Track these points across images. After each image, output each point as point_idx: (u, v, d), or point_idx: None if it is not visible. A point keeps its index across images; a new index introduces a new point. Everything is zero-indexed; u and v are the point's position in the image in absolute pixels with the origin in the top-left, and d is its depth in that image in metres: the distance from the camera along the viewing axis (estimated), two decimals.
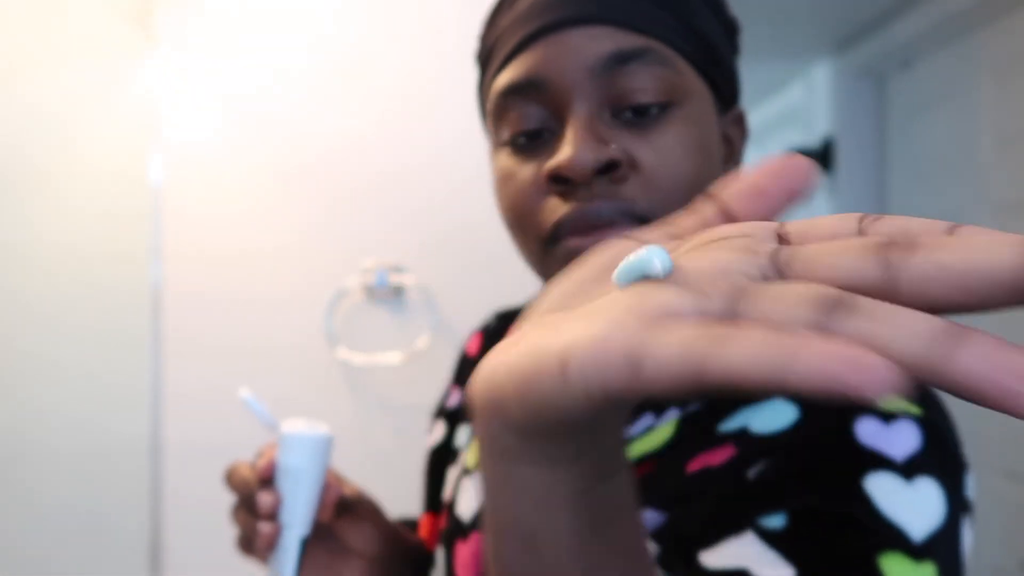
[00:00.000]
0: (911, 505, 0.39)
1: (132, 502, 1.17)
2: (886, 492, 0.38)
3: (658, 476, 0.43)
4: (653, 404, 0.46)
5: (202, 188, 1.21)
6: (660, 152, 0.42)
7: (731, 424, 0.43)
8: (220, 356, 1.21)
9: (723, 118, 0.47)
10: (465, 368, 0.66)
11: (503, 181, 0.46)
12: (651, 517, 0.42)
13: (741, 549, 0.38)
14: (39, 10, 0.93)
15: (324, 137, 1.21)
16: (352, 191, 1.21)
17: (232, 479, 0.51)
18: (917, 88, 2.03)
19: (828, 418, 0.41)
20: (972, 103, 1.78)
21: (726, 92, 0.47)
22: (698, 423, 0.44)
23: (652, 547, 0.41)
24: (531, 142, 0.44)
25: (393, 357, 1.19)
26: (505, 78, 0.44)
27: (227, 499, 1.23)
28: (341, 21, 1.21)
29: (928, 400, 0.43)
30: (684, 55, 0.44)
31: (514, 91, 0.44)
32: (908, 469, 0.39)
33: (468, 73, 1.21)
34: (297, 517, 0.48)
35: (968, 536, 0.42)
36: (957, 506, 0.41)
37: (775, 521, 0.38)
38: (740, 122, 0.49)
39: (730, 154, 0.49)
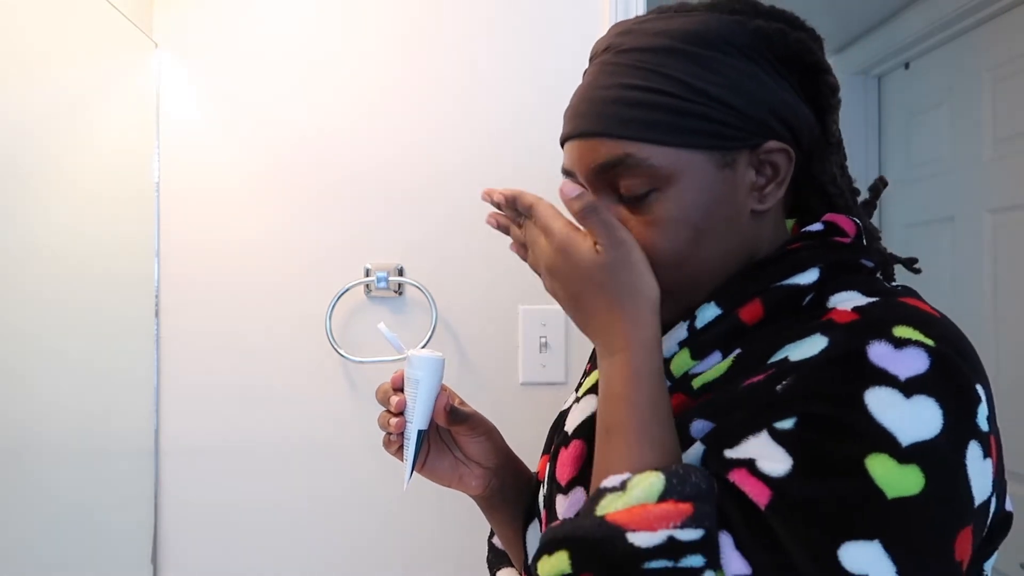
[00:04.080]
0: (904, 416, 0.45)
1: (134, 499, 1.17)
2: (883, 403, 0.45)
3: (714, 398, 0.54)
4: (722, 344, 0.57)
5: (202, 187, 1.21)
6: (644, 229, 0.56)
7: (776, 357, 0.52)
8: (221, 357, 1.21)
9: (753, 153, 0.57)
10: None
11: None
12: (704, 426, 0.53)
13: (755, 445, 0.48)
14: (39, 10, 0.93)
15: (325, 137, 1.21)
16: (353, 192, 1.21)
17: (377, 392, 0.69)
18: (917, 88, 2.03)
19: (847, 343, 0.49)
20: (972, 103, 1.78)
21: (745, 139, 0.56)
22: (751, 358, 0.54)
23: (699, 448, 0.52)
24: None
25: (393, 357, 1.19)
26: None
27: (226, 497, 1.24)
28: (342, 20, 1.21)
29: (948, 339, 0.48)
30: (666, 143, 0.55)
31: (563, 173, 0.62)
32: (908, 387, 0.46)
33: (469, 74, 1.21)
34: (417, 415, 0.65)
35: (983, 464, 0.47)
36: (960, 429, 0.46)
37: (786, 423, 0.48)
38: (780, 150, 0.58)
39: (774, 175, 0.58)
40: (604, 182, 0.58)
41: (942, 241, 1.90)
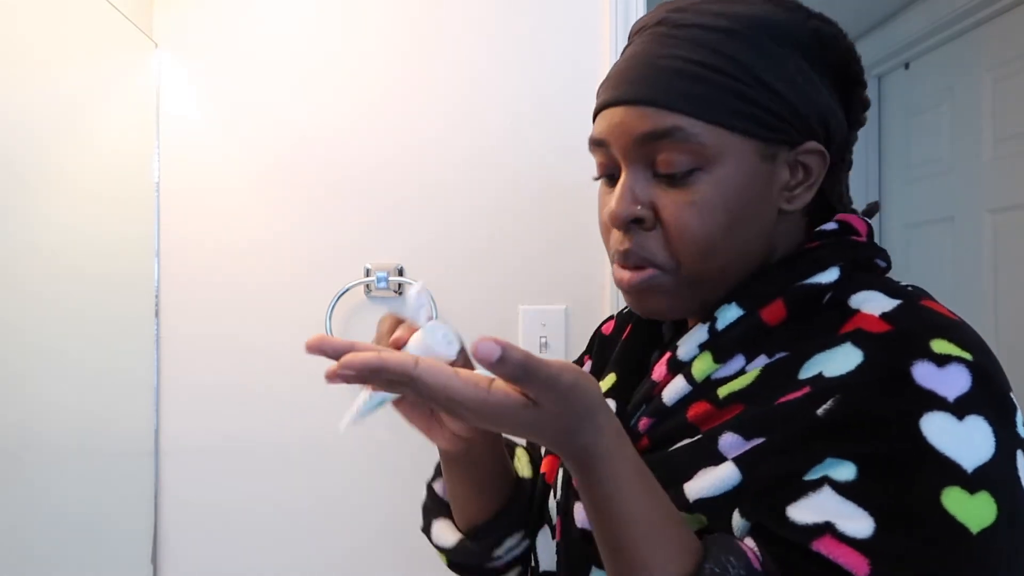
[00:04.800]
0: (963, 441, 0.44)
1: (134, 499, 1.17)
2: (940, 431, 0.44)
3: (747, 414, 0.52)
4: (744, 347, 0.55)
5: (202, 187, 1.21)
6: (681, 210, 0.54)
7: (809, 371, 0.51)
8: (221, 357, 1.21)
9: (791, 152, 0.56)
10: (601, 344, 0.76)
11: (599, 205, 0.62)
12: (735, 441, 0.51)
13: (822, 503, 0.46)
14: (39, 10, 0.93)
15: (325, 137, 1.21)
16: (353, 192, 1.21)
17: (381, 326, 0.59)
18: (917, 88, 2.03)
19: (888, 361, 0.47)
20: (972, 103, 1.78)
21: (790, 135, 0.55)
22: (780, 371, 0.52)
23: (732, 472, 0.49)
24: (611, 179, 0.60)
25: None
26: (592, 132, 0.60)
27: (226, 497, 1.24)
28: (342, 20, 1.21)
29: (977, 347, 0.48)
30: (719, 123, 0.53)
31: (592, 143, 0.59)
32: (959, 408, 0.45)
33: (470, 74, 1.21)
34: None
35: None
36: (1008, 442, 0.46)
37: (846, 472, 0.46)
38: (818, 152, 0.57)
39: (806, 178, 0.57)
40: (643, 154, 0.55)
41: (942, 241, 1.90)
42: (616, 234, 0.58)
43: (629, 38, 0.61)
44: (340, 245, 1.21)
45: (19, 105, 0.89)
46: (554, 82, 1.20)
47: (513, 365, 0.41)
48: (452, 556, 0.69)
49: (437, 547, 0.70)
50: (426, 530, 0.73)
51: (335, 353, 0.44)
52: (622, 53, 0.61)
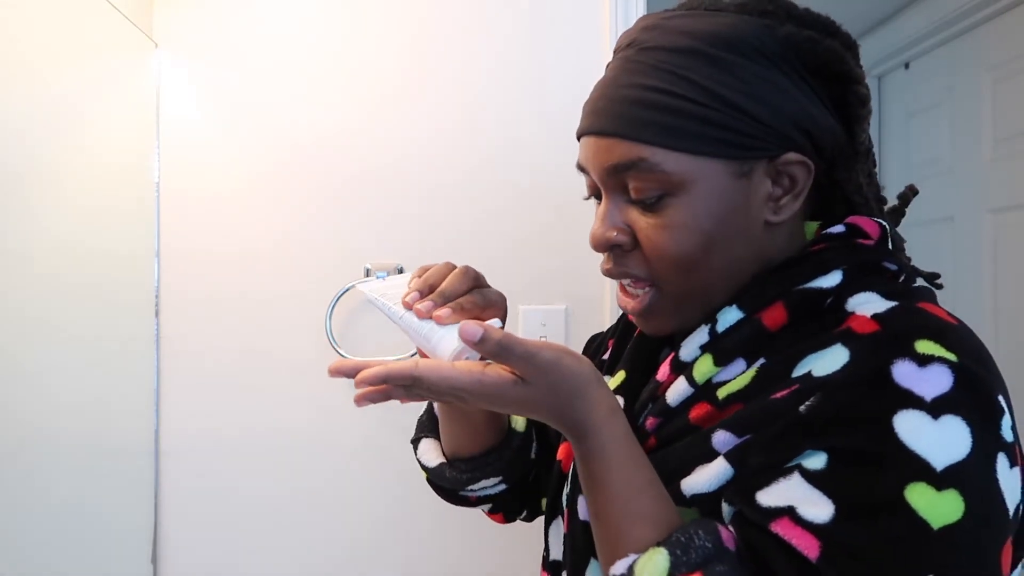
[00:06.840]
0: (935, 440, 0.45)
1: (134, 499, 1.17)
2: (912, 428, 0.45)
3: (742, 412, 0.53)
4: (745, 352, 0.56)
5: (202, 187, 1.21)
6: (654, 233, 0.56)
7: (800, 370, 0.52)
8: (221, 356, 1.21)
9: (771, 164, 0.56)
10: (624, 330, 0.75)
11: None
12: (728, 439, 0.52)
13: (789, 489, 0.47)
14: (39, 10, 0.93)
15: (325, 137, 1.21)
16: (353, 192, 1.21)
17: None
18: (917, 88, 2.03)
19: (870, 361, 0.48)
20: (972, 103, 1.78)
21: (765, 149, 0.55)
22: (775, 368, 0.54)
23: (724, 467, 0.51)
24: (600, 199, 0.62)
25: (392, 357, 1.19)
26: (578, 156, 0.62)
27: (226, 497, 1.24)
28: (343, 19, 1.21)
29: (968, 350, 0.48)
30: (683, 150, 0.54)
31: (578, 168, 0.62)
32: (935, 408, 0.45)
33: (471, 75, 1.21)
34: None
35: (1010, 473, 0.47)
36: (988, 444, 0.46)
37: (817, 462, 0.47)
38: (799, 162, 0.56)
39: (791, 187, 0.57)
40: (616, 182, 0.57)
41: (942, 241, 1.90)
42: (604, 255, 0.61)
43: (613, 54, 0.62)
44: (340, 245, 1.21)
45: (19, 105, 0.89)
46: (555, 83, 1.20)
47: (492, 343, 0.49)
48: (431, 476, 0.74)
49: (420, 463, 0.74)
50: (415, 443, 0.76)
51: (352, 373, 0.53)
52: (606, 67, 0.61)
